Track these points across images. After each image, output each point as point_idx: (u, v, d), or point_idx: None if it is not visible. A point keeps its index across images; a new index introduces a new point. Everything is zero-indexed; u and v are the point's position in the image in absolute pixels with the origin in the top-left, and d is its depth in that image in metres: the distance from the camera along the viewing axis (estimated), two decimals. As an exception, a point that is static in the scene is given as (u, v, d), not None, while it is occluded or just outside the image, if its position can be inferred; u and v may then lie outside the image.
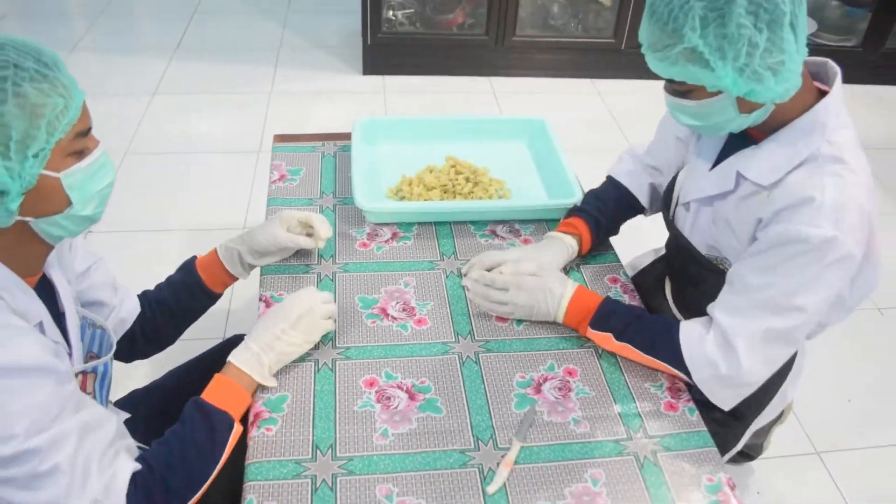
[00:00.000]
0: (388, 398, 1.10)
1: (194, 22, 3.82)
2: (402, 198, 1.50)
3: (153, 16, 3.97)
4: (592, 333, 1.21)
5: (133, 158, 2.72)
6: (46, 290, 1.03)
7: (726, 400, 1.16)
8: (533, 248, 1.35)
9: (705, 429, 1.12)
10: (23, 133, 0.85)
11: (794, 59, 1.01)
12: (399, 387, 1.12)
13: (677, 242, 1.32)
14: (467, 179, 1.53)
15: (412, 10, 3.36)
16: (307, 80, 3.31)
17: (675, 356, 1.15)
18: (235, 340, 1.47)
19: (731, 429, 1.41)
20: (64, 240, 1.03)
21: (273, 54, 3.52)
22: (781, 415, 1.57)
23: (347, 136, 1.69)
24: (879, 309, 2.29)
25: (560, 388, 1.15)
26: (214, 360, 1.42)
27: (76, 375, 1.04)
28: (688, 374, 1.15)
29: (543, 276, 1.25)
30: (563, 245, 1.36)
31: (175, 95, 3.15)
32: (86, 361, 1.09)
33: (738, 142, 1.19)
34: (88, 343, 1.12)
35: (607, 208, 1.42)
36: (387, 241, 1.41)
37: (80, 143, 0.93)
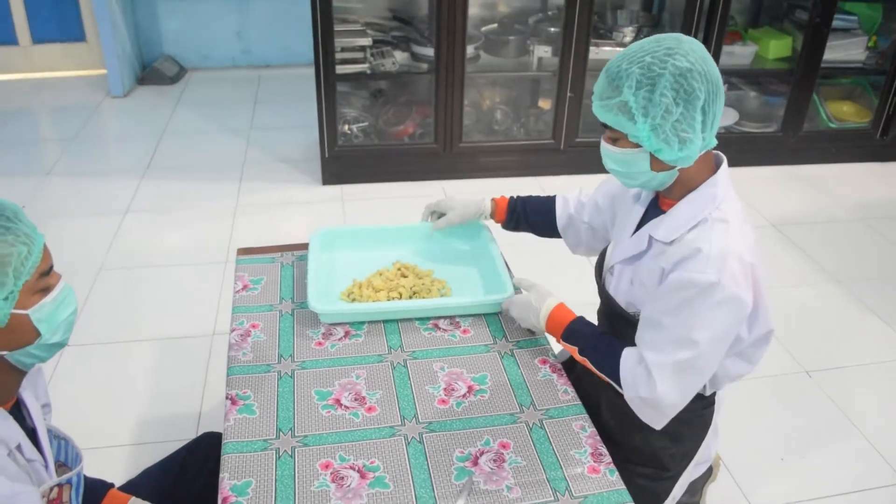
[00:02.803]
0: (342, 478, 1.25)
1: (163, 143, 4.05)
2: (353, 300, 1.68)
3: (123, 139, 4.21)
4: (563, 344, 1.49)
5: (107, 274, 2.88)
6: (18, 410, 1.14)
7: (653, 418, 1.40)
8: (458, 200, 1.84)
9: (624, 487, 1.27)
10: None
11: (698, 135, 1.27)
12: (352, 467, 1.27)
13: (608, 302, 1.55)
14: (416, 281, 1.72)
15: (366, 124, 3.63)
16: (270, 193, 3.53)
17: (616, 377, 1.40)
18: (204, 439, 1.60)
19: (661, 482, 1.57)
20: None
21: (237, 170, 3.75)
22: (711, 472, 1.74)
23: (304, 247, 1.88)
24: (807, 372, 2.48)
25: (495, 460, 1.30)
26: (185, 457, 1.55)
27: (52, 488, 1.14)
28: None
29: (531, 293, 1.56)
30: (477, 204, 1.82)
31: (145, 213, 3.34)
32: (57, 472, 1.20)
33: (652, 214, 1.45)
34: (55, 454, 1.21)
35: (534, 206, 1.81)
36: (340, 339, 1.58)
37: (43, 281, 1.06)
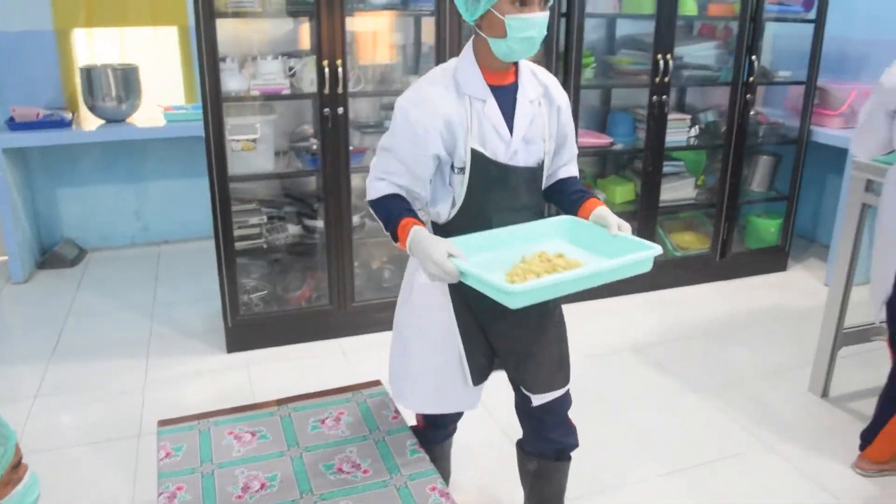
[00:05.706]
0: None
1: (67, 326, 4.21)
2: (513, 282, 1.70)
3: (27, 325, 4.33)
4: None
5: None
6: None
7: None
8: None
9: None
10: None
11: None
12: None
13: (519, 175, 1.91)
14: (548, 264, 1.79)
15: (265, 292, 3.94)
16: (177, 365, 3.73)
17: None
18: None
19: None
20: None
21: (144, 346, 3.95)
22: None
23: (219, 413, 2.14)
24: (674, 472, 2.84)
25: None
26: None
27: None
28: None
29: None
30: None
31: (56, 396, 3.46)
32: None
33: (502, 94, 1.85)
34: None
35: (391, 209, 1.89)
36: (256, 492, 1.83)
37: (14, 473, 1.29)
